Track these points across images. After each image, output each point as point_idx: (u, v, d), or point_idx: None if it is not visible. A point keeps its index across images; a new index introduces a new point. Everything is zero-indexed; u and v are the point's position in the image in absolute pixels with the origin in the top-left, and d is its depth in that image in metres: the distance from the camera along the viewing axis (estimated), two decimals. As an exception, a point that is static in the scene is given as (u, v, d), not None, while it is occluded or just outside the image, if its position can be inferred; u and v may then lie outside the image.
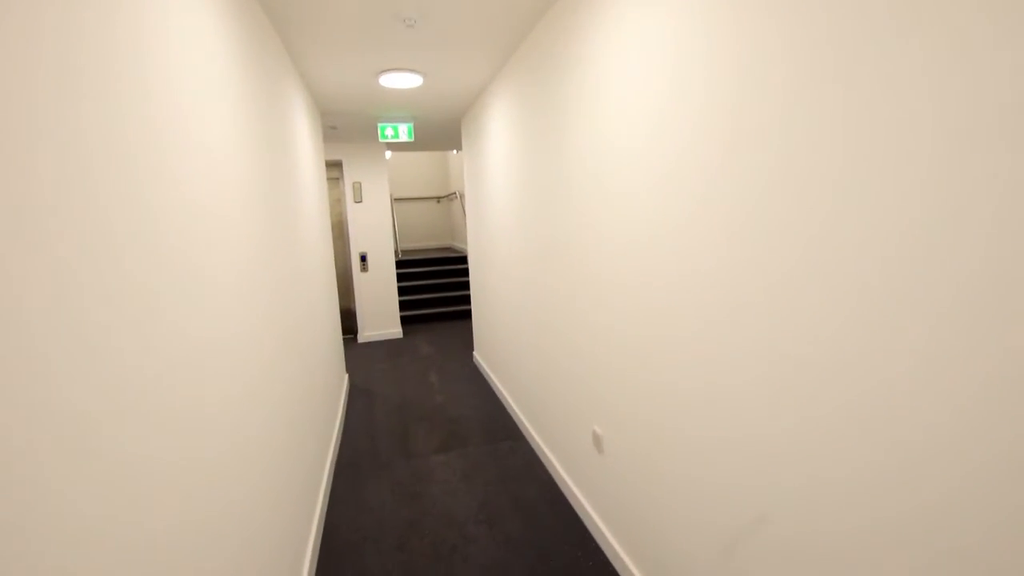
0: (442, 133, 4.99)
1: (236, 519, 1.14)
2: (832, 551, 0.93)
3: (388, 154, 6.73)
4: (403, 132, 4.30)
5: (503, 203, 3.13)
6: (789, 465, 1.02)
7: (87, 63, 0.69)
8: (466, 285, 6.81)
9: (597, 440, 1.93)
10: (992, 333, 0.66)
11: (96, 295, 0.66)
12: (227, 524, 1.08)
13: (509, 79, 2.76)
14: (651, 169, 1.42)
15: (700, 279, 1.25)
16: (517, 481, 2.51)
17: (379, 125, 4.23)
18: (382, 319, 5.59)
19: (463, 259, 7.16)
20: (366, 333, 5.53)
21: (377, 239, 5.43)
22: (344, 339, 5.64)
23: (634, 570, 1.72)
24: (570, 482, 2.29)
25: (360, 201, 5.34)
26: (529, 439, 2.91)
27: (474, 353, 4.58)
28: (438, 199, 9.12)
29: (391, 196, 7.03)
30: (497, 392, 3.71)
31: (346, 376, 4.03)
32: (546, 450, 2.62)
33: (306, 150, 2.82)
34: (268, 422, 1.50)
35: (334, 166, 5.35)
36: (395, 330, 5.65)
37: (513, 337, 3.15)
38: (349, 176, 5.28)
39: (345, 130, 4.58)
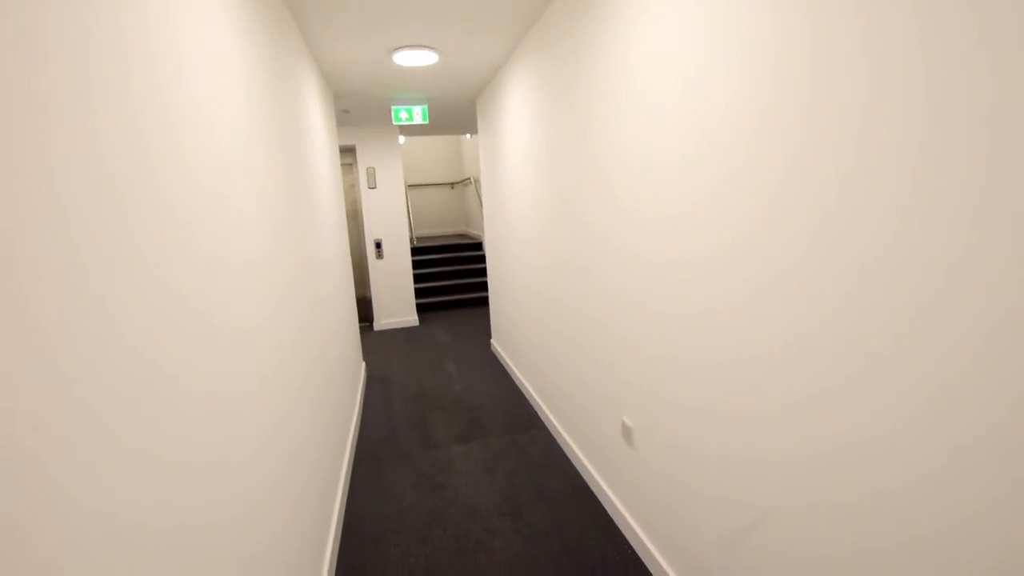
0: (457, 115, 4.87)
1: (263, 513, 1.08)
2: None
3: (401, 139, 6.62)
4: (417, 114, 4.20)
5: (522, 184, 3.03)
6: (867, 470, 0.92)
7: (99, 49, 0.62)
8: (482, 272, 6.73)
9: (627, 432, 1.85)
10: None
11: (123, 290, 0.59)
12: (256, 516, 1.02)
13: (528, 54, 2.64)
14: (684, 140, 1.31)
15: (742, 248, 1.14)
16: (541, 472, 2.44)
17: (393, 108, 4.13)
18: (398, 306, 5.54)
19: (478, 245, 7.07)
20: (382, 321, 5.49)
21: (392, 225, 5.36)
22: (360, 327, 5.61)
23: (668, 569, 1.65)
24: (596, 474, 2.21)
25: (374, 187, 5.26)
26: (551, 428, 2.84)
27: (491, 341, 4.51)
28: (452, 185, 9.01)
29: (405, 182, 6.93)
30: (516, 380, 3.64)
31: (363, 364, 3.99)
32: (569, 440, 2.55)
33: (320, 134, 2.73)
34: (289, 412, 1.44)
35: (347, 151, 5.27)
36: (411, 318, 5.60)
37: (532, 324, 3.06)
38: (363, 161, 5.19)
39: (358, 114, 4.49)
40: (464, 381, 3.77)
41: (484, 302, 6.47)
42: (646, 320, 1.64)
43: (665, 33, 1.37)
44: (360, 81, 3.42)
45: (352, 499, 2.30)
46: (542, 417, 3.01)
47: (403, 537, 2.01)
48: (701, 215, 1.30)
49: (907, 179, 0.77)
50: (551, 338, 2.72)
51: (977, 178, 0.68)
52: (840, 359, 0.93)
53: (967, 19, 0.67)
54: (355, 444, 2.79)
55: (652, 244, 1.56)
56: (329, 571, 1.73)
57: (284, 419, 1.39)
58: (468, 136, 7.79)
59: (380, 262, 5.38)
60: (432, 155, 8.93)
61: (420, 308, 6.22)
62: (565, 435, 2.61)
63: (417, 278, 6.47)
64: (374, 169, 5.23)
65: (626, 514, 1.93)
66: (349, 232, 5.28)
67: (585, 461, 2.33)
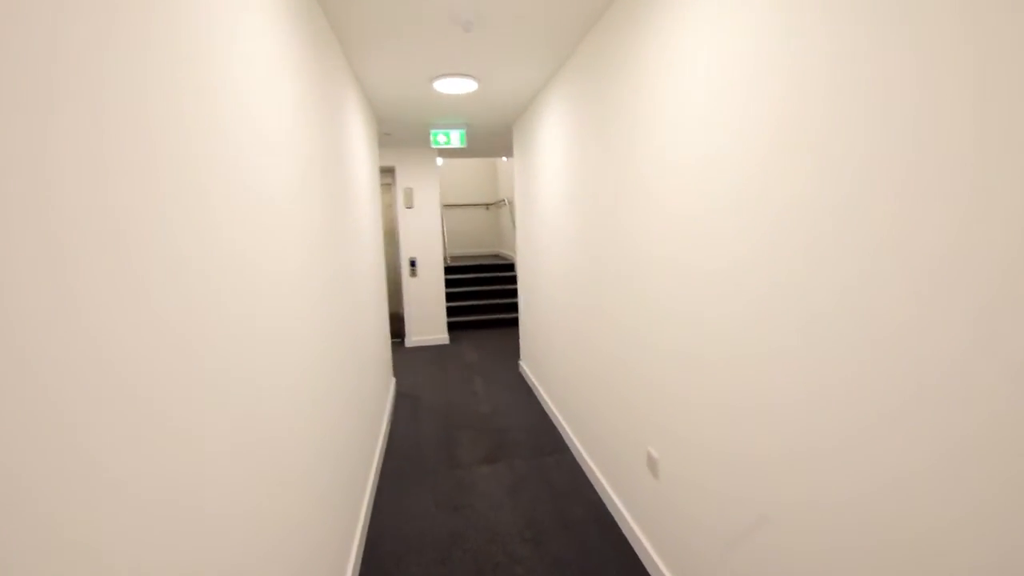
0: (493, 139, 4.98)
1: (298, 530, 1.12)
2: None
3: (439, 160, 6.80)
4: (455, 138, 4.31)
5: (554, 212, 3.06)
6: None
7: (158, 59, 0.68)
8: (513, 292, 6.78)
9: (652, 463, 1.82)
10: None
11: (168, 290, 0.64)
12: (291, 532, 1.06)
13: (565, 83, 2.70)
14: (727, 189, 1.31)
15: (777, 292, 1.13)
16: (564, 498, 2.41)
17: (432, 131, 4.26)
18: (430, 324, 5.62)
19: (510, 266, 7.13)
20: (413, 337, 5.58)
21: (427, 244, 5.48)
22: (392, 342, 5.71)
23: (691, 606, 1.60)
24: (620, 504, 2.17)
25: (411, 207, 5.40)
26: (575, 453, 2.81)
27: (520, 362, 4.52)
28: (487, 206, 9.15)
29: (441, 202, 7.09)
30: (543, 402, 3.62)
31: (393, 380, 4.06)
32: (593, 466, 2.52)
33: (362, 158, 2.84)
34: (335, 428, 1.48)
35: (387, 172, 5.44)
36: (442, 336, 5.66)
37: (561, 347, 3.06)
38: (401, 182, 5.35)
39: (399, 136, 4.65)
40: (491, 401, 3.78)
41: (514, 323, 6.49)
42: (677, 362, 1.63)
43: (703, 68, 1.39)
44: (401, 106, 3.55)
45: (375, 515, 2.33)
46: (567, 441, 2.98)
47: (424, 557, 2.02)
48: (734, 270, 1.29)
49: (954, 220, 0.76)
50: (578, 365, 2.71)
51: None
52: (861, 408, 0.90)
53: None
54: (382, 460, 2.83)
55: (690, 296, 1.55)
56: (350, 586, 1.76)
57: (330, 436, 1.43)
58: (504, 159, 7.93)
59: (414, 279, 5.49)
60: (468, 176, 9.11)
61: (451, 327, 6.29)
62: (590, 461, 2.58)
63: (449, 296, 6.56)
64: (412, 190, 5.38)
65: (649, 548, 1.89)
66: (385, 249, 5.42)
67: (609, 489, 2.30)
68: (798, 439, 1.10)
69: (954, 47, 0.73)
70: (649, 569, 1.88)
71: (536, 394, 3.84)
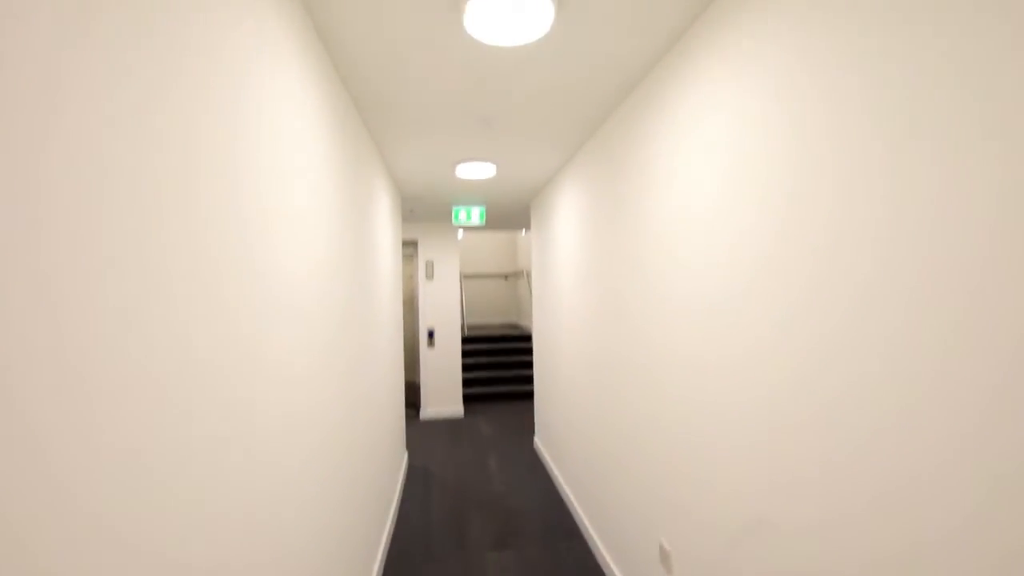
0: (512, 215, 5.19)
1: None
2: None
3: (460, 233, 7.07)
4: (475, 215, 4.51)
5: (569, 291, 3.13)
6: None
7: (209, 143, 0.79)
8: (529, 364, 6.75)
9: (665, 557, 1.75)
10: None
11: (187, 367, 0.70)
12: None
13: (578, 168, 2.86)
14: (732, 282, 1.37)
15: (791, 389, 1.15)
16: (575, 591, 2.30)
17: (453, 208, 4.47)
18: (445, 396, 5.59)
19: (527, 337, 7.15)
20: (428, 410, 5.54)
21: (445, 316, 5.57)
22: (406, 414, 5.67)
23: None
24: (634, 600, 2.06)
25: (432, 279, 5.55)
26: (588, 539, 2.70)
27: (535, 438, 4.44)
28: (506, 276, 9.33)
29: (461, 274, 7.29)
30: (556, 483, 3.52)
31: (406, 454, 4.01)
32: (606, 555, 2.41)
33: (387, 234, 3.00)
34: (341, 505, 1.48)
35: (409, 244, 5.65)
36: (457, 408, 5.62)
37: (576, 427, 3.02)
38: (423, 254, 5.54)
39: (422, 212, 4.88)
40: (505, 480, 3.69)
41: (530, 396, 6.41)
42: (690, 449, 1.62)
43: (696, 160, 1.49)
44: (425, 187, 3.77)
45: (380, 602, 2.24)
46: (580, 527, 2.87)
47: (427, 652, 1.92)
48: (747, 360, 1.32)
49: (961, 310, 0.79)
50: (592, 447, 2.67)
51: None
52: (860, 486, 0.89)
53: None
54: (390, 540, 2.75)
55: (700, 384, 1.57)
56: None
57: (337, 517, 1.44)
58: (523, 232, 8.18)
59: (431, 350, 5.54)
60: (488, 248, 9.37)
61: (466, 398, 6.24)
62: (603, 550, 2.47)
63: (466, 367, 6.55)
64: (433, 262, 5.55)
65: (665, 652, 1.77)
66: (404, 318, 5.52)
67: (623, 583, 2.19)
68: (807, 517, 1.07)
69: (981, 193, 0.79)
70: (665, 677, 1.76)
71: (550, 473, 3.74)
